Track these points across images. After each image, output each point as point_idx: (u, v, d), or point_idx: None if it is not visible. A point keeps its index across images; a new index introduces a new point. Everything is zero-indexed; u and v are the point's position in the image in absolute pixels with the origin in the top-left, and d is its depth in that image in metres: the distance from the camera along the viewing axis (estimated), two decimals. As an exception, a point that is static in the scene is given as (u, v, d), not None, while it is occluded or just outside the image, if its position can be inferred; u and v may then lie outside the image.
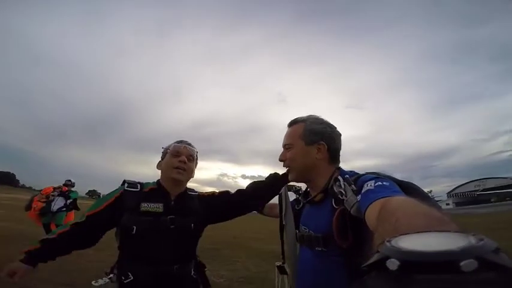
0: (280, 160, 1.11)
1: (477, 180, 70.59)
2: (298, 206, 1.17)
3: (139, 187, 1.30)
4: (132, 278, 1.16)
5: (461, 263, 0.21)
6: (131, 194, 1.27)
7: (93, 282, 1.15)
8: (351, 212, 0.81)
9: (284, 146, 1.10)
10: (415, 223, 0.36)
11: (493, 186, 63.84)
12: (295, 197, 1.24)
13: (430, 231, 0.28)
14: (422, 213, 0.39)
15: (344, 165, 1.07)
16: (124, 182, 1.30)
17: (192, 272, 1.30)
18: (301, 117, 1.10)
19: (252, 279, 4.69)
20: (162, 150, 1.42)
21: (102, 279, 1.18)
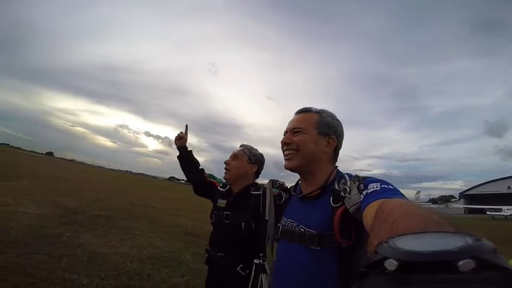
0: (285, 143, 1.04)
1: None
2: (280, 201, 1.16)
3: (226, 188, 1.67)
4: (206, 255, 1.63)
5: (459, 263, 0.21)
6: (219, 191, 1.70)
7: None
8: (350, 210, 0.81)
9: (292, 129, 1.05)
10: (412, 224, 0.35)
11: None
12: (278, 192, 1.21)
13: (427, 232, 0.28)
14: (420, 215, 0.39)
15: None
16: (222, 184, 1.73)
17: (240, 267, 1.44)
18: (314, 108, 1.08)
19: (164, 260, 3.96)
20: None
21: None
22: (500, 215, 31.54)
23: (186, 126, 1.94)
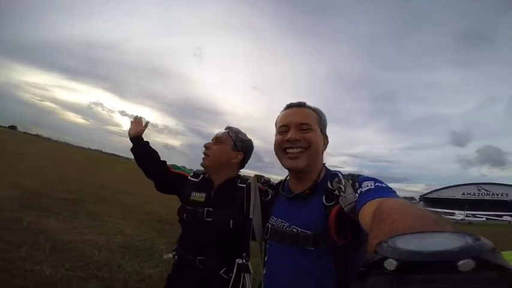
0: (294, 139, 0.94)
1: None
2: (266, 198, 1.12)
3: (200, 178, 1.40)
4: (176, 259, 1.33)
5: (459, 263, 0.21)
6: (190, 182, 1.40)
7: (164, 256, 1.43)
8: (345, 209, 0.80)
9: (299, 124, 0.97)
10: (411, 224, 0.36)
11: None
12: (264, 188, 1.15)
13: (426, 232, 0.29)
14: (419, 215, 0.40)
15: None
16: (193, 173, 1.45)
17: (222, 271, 1.23)
18: (309, 105, 1.04)
19: (135, 249, 3.85)
20: None
21: (170, 254, 1.36)
22: (452, 219, 34.88)
23: (147, 123, 1.64)
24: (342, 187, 0.84)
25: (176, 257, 1.33)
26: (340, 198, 0.83)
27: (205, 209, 1.27)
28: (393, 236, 0.28)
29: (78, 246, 3.47)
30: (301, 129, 0.96)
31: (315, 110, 1.03)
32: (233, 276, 1.21)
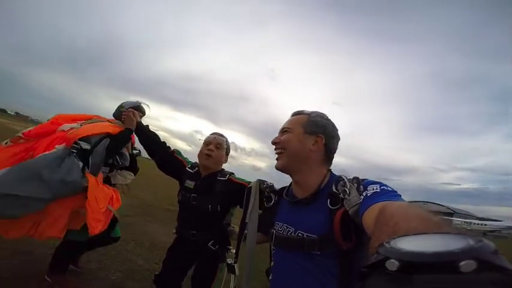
0: (273, 143, 1.05)
1: (420, 201, 78.52)
2: (268, 203, 1.12)
3: (194, 170, 1.75)
4: (176, 234, 1.75)
5: (461, 264, 0.21)
6: (187, 172, 1.76)
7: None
8: (349, 212, 0.80)
9: (281, 129, 1.06)
10: (414, 226, 0.36)
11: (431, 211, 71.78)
12: (266, 194, 1.16)
13: (429, 233, 0.29)
14: (422, 217, 0.40)
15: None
16: (191, 165, 1.80)
17: (211, 243, 1.60)
18: (306, 111, 1.08)
19: None
20: (201, 141, 1.81)
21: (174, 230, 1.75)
22: None
23: (140, 115, 2.01)
24: (347, 190, 0.85)
25: (176, 232, 1.73)
26: (345, 201, 0.83)
27: (192, 195, 1.64)
28: (395, 237, 0.28)
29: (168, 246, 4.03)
30: (282, 133, 1.04)
31: (310, 114, 1.05)
32: (225, 274, 1.47)
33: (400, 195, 0.74)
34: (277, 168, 1.03)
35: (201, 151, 1.72)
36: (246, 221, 1.17)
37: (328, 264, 0.85)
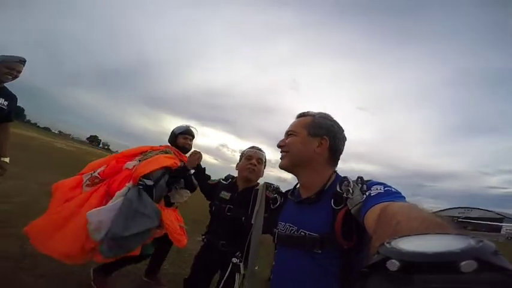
0: (279, 146, 1.08)
1: (463, 207, 71.20)
2: (274, 205, 1.15)
3: (229, 181, 1.89)
4: (205, 241, 1.82)
5: (461, 264, 0.21)
6: (221, 184, 1.90)
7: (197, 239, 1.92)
8: (352, 211, 0.80)
9: (286, 132, 1.09)
10: (415, 226, 0.36)
11: (476, 216, 64.20)
12: (273, 196, 1.20)
13: (429, 233, 0.29)
14: (423, 217, 0.39)
15: (340, 164, 1.08)
16: (225, 177, 1.97)
17: (237, 254, 1.61)
18: (311, 112, 1.09)
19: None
20: (240, 154, 1.93)
21: (200, 238, 1.83)
22: None
23: (200, 157, 2.22)
24: (350, 189, 0.85)
25: (205, 240, 1.82)
26: (348, 200, 0.84)
27: (228, 206, 1.73)
28: (396, 237, 0.28)
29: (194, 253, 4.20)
30: (288, 136, 1.07)
31: (314, 115, 1.07)
32: (227, 273, 1.52)
33: (404, 197, 0.74)
34: (281, 167, 1.07)
35: (242, 165, 1.81)
36: (252, 222, 1.21)
37: (329, 264, 0.86)
